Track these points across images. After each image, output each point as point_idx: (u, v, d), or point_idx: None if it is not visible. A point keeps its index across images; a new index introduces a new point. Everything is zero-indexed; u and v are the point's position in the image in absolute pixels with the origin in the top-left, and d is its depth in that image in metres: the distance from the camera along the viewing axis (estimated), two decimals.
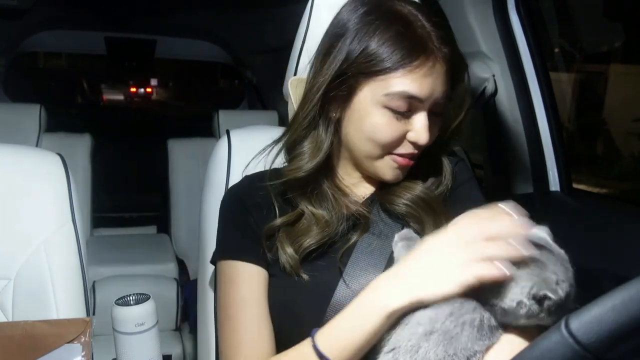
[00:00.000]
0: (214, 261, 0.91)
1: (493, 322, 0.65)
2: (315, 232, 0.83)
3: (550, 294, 0.60)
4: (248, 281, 0.85)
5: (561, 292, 0.61)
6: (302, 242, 0.82)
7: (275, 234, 0.85)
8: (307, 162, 0.84)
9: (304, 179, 0.84)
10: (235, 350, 0.83)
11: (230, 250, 0.87)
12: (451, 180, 0.89)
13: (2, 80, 2.85)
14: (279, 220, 0.85)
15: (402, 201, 0.85)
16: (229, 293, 0.85)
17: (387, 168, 0.84)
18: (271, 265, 0.85)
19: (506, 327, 0.67)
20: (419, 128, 0.80)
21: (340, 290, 0.80)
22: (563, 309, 0.61)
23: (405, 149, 0.82)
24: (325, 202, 0.85)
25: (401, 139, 0.81)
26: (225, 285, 0.86)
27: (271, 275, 0.86)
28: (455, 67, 0.82)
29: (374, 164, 0.85)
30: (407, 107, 0.79)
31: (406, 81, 0.77)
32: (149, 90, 7.90)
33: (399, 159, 0.83)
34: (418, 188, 0.87)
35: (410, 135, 0.81)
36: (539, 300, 0.61)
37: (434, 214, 0.85)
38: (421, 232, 0.83)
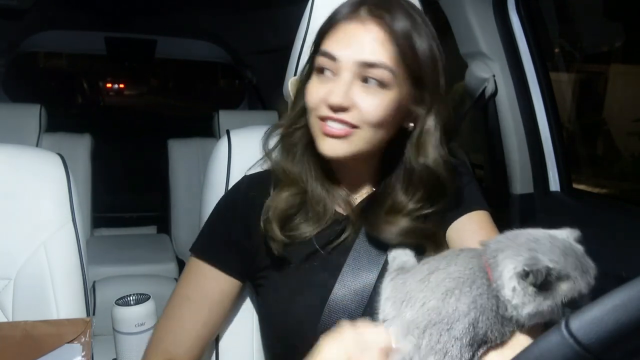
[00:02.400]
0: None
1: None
2: (307, 223, 0.83)
3: (528, 269, 0.59)
4: (201, 282, 0.86)
5: (543, 269, 0.59)
6: (294, 231, 0.83)
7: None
8: (300, 152, 0.86)
9: (296, 170, 0.85)
10: (156, 341, 0.87)
11: (201, 248, 0.89)
12: (454, 197, 0.85)
13: (2, 80, 2.85)
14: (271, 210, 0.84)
15: (391, 235, 0.82)
16: (180, 286, 0.88)
17: (319, 138, 0.81)
18: (268, 267, 0.85)
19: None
20: (332, 86, 0.78)
21: (338, 289, 0.81)
22: (571, 301, 0.60)
23: (324, 111, 0.79)
24: (318, 194, 0.85)
25: (324, 101, 0.79)
26: (181, 278, 0.89)
27: (266, 278, 0.86)
28: (400, 39, 0.77)
29: (314, 137, 0.83)
30: (328, 66, 0.79)
31: (327, 41, 0.80)
32: (122, 85, 8.00)
33: (325, 126, 0.79)
34: (403, 219, 0.82)
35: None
36: (528, 278, 0.60)
37: (431, 239, 0.83)
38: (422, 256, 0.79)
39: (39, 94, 3.54)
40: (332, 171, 0.88)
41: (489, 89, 1.48)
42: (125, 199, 3.24)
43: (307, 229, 0.83)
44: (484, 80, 1.48)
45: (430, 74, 0.80)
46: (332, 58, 0.78)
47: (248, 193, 0.89)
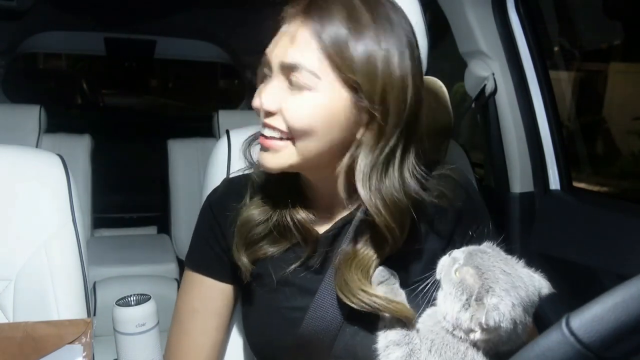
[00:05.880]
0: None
1: None
2: (270, 242, 0.79)
3: None
4: (202, 293, 0.86)
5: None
6: (258, 251, 0.79)
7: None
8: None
9: (271, 182, 0.81)
10: (175, 358, 0.86)
11: (192, 261, 0.88)
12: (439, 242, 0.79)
13: (1, 81, 2.85)
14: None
15: (363, 302, 0.72)
16: (183, 301, 0.87)
17: (259, 150, 0.78)
18: (248, 283, 0.83)
19: None
20: (264, 87, 0.74)
21: (310, 318, 0.76)
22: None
23: (261, 114, 0.75)
24: (282, 212, 0.78)
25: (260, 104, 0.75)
26: (182, 292, 0.88)
27: (247, 293, 0.85)
28: (327, 41, 0.70)
29: None
30: (266, 66, 0.75)
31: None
32: (121, 86, 7.99)
33: (261, 137, 0.76)
34: (371, 288, 0.72)
35: None
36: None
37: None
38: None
39: (39, 95, 3.53)
40: (307, 188, 0.82)
41: (489, 88, 1.48)
42: (125, 199, 3.24)
43: (270, 249, 0.79)
44: (483, 79, 1.48)
45: (374, 82, 0.70)
46: (266, 57, 0.74)
47: (223, 198, 0.86)
